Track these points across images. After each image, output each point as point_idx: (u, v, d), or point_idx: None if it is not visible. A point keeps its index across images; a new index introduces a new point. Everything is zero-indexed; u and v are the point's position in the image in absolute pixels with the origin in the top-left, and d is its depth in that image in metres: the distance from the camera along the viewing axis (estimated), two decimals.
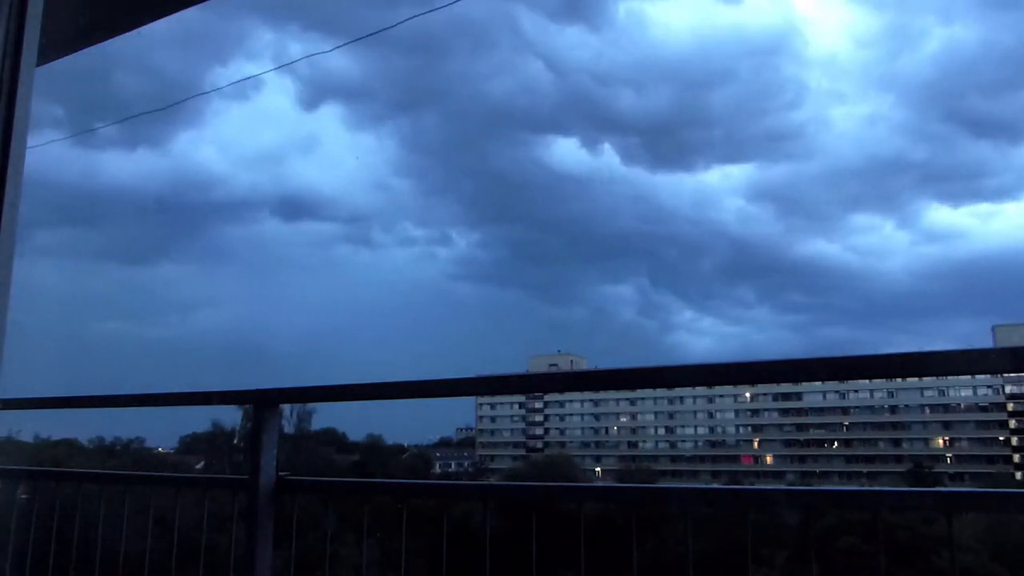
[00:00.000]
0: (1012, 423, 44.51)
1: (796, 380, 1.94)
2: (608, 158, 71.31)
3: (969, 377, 39.64)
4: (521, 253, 77.89)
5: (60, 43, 2.16)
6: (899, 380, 41.99)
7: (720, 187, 70.65)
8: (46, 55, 1.33)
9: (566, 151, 73.59)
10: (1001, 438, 44.79)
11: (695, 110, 68.51)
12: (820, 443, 48.78)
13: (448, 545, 2.31)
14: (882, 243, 66.82)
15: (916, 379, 43.52)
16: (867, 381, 43.66)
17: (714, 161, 69.83)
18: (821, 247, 69.19)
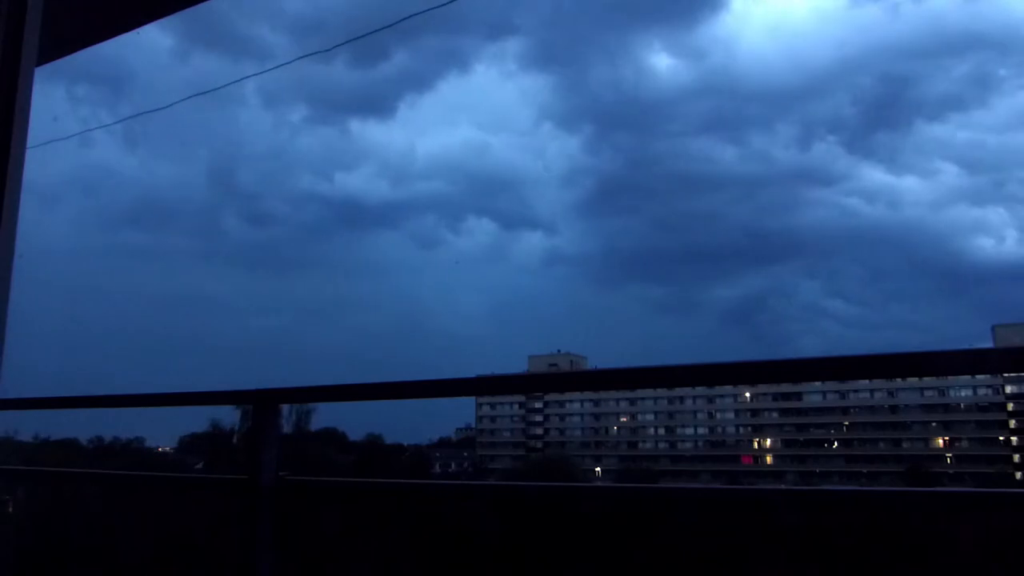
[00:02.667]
0: (1012, 423, 44.47)
1: (796, 380, 1.94)
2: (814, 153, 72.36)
3: (969, 377, 39.60)
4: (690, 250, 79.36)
5: (60, 43, 2.17)
6: (899, 380, 41.96)
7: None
8: (46, 55, 1.33)
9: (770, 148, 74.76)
10: (1001, 438, 44.76)
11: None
12: (820, 443, 48.74)
13: (447, 545, 2.31)
14: None
15: (916, 379, 43.49)
16: (867, 381, 43.63)
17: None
18: None
